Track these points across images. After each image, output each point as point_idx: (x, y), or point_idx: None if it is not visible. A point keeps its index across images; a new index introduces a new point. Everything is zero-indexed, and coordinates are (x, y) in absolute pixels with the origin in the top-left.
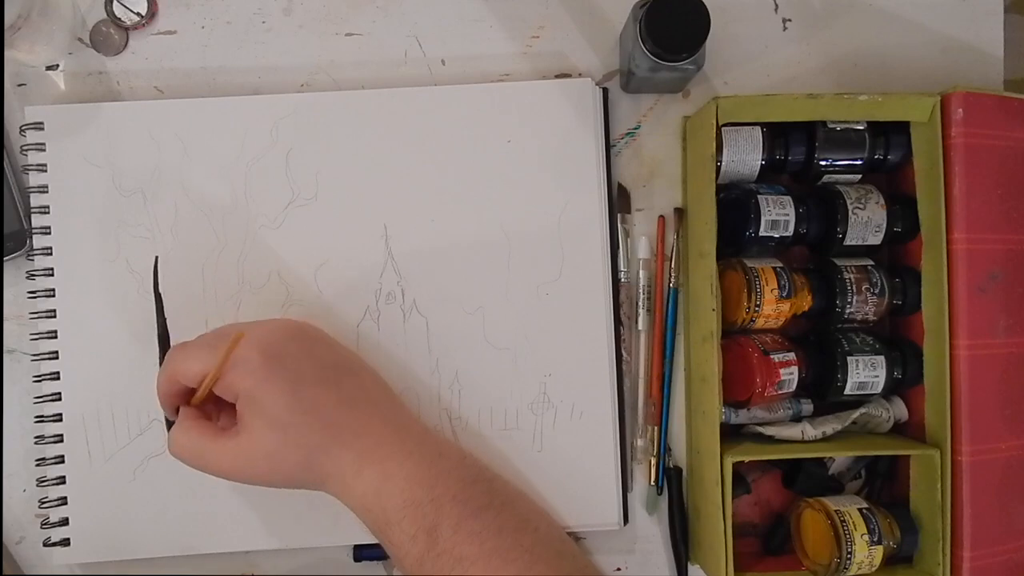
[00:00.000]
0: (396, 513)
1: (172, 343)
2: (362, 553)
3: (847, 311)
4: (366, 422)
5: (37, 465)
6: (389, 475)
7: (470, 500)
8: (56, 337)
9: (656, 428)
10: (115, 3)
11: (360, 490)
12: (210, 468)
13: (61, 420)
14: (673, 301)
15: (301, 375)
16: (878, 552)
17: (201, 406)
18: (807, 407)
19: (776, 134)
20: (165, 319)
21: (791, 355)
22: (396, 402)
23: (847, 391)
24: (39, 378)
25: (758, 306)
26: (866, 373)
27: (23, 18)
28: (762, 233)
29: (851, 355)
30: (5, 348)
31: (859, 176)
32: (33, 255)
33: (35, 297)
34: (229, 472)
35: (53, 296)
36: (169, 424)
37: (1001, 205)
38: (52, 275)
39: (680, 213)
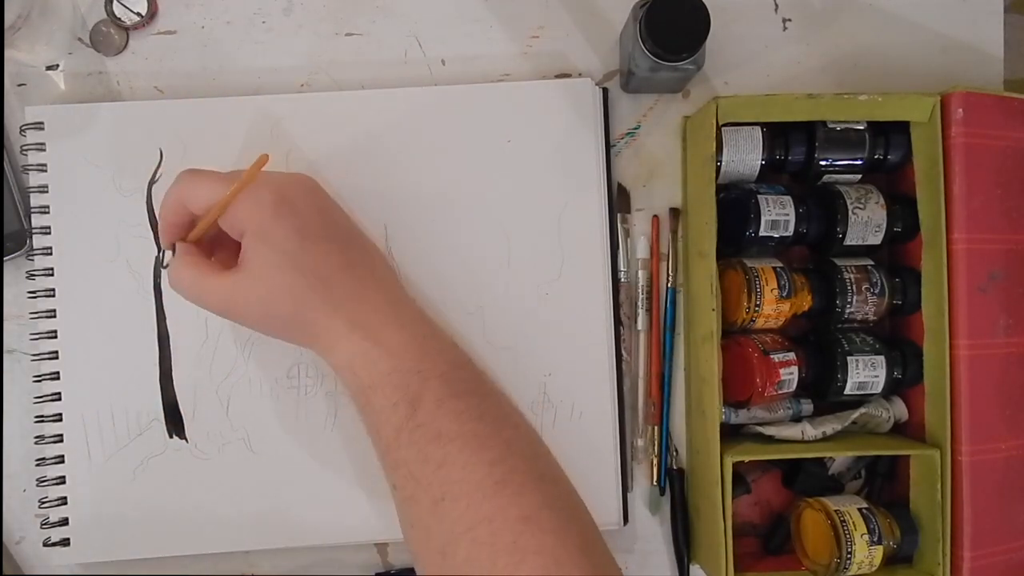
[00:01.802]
0: (381, 378)
1: (172, 344)
2: None
3: (847, 311)
4: (364, 289)
5: (37, 465)
6: (379, 341)
7: (456, 381)
8: (56, 337)
9: (656, 428)
10: (115, 3)
11: (348, 351)
12: (207, 302)
13: (61, 420)
14: (672, 301)
15: (310, 227)
16: (878, 552)
17: (199, 243)
18: (807, 407)
19: (776, 134)
20: (165, 319)
21: (791, 355)
22: (396, 279)
23: (847, 391)
24: (39, 378)
25: (758, 306)
26: (866, 373)
27: (23, 18)
28: (762, 233)
29: (851, 355)
30: (5, 348)
31: (859, 176)
32: (33, 255)
33: (35, 297)
34: (224, 308)
35: (53, 296)
36: (159, 263)
37: (1001, 205)
38: (52, 275)
39: (676, 213)
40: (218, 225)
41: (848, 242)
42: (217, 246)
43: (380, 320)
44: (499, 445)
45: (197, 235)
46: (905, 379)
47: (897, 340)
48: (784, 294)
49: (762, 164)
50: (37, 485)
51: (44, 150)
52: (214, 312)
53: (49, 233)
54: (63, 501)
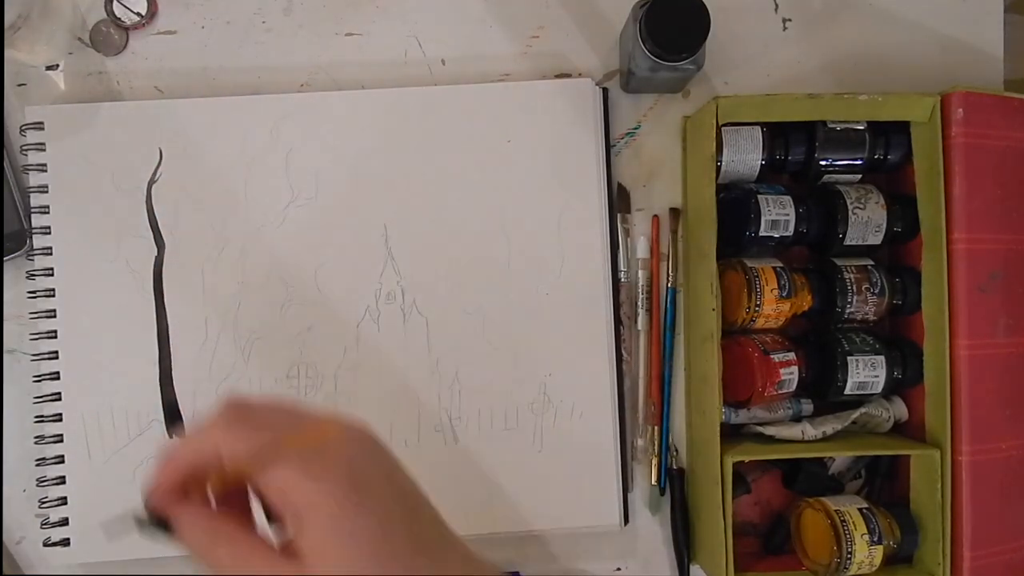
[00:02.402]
0: None
1: (172, 344)
2: None
3: (847, 311)
4: (433, 553)
5: (37, 465)
6: None
7: None
8: (56, 337)
9: (656, 428)
10: (115, 3)
11: None
12: None
13: (61, 420)
14: (672, 301)
15: (391, 522)
16: (878, 552)
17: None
18: (807, 407)
19: (776, 134)
20: (166, 319)
21: (791, 355)
22: (444, 522)
23: (847, 391)
24: (39, 378)
25: (758, 306)
26: (866, 373)
27: (23, 18)
28: (762, 233)
29: (851, 355)
30: (5, 348)
31: (859, 176)
32: (33, 255)
33: (35, 297)
34: None
35: (53, 296)
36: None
37: (1001, 205)
38: (52, 275)
39: (676, 213)
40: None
41: (848, 242)
42: (232, 500)
43: None
44: None
45: (220, 488)
46: (905, 379)
47: (897, 340)
48: (784, 294)
49: (762, 164)
50: (37, 485)
51: (44, 150)
52: None
53: (49, 233)
54: (63, 501)
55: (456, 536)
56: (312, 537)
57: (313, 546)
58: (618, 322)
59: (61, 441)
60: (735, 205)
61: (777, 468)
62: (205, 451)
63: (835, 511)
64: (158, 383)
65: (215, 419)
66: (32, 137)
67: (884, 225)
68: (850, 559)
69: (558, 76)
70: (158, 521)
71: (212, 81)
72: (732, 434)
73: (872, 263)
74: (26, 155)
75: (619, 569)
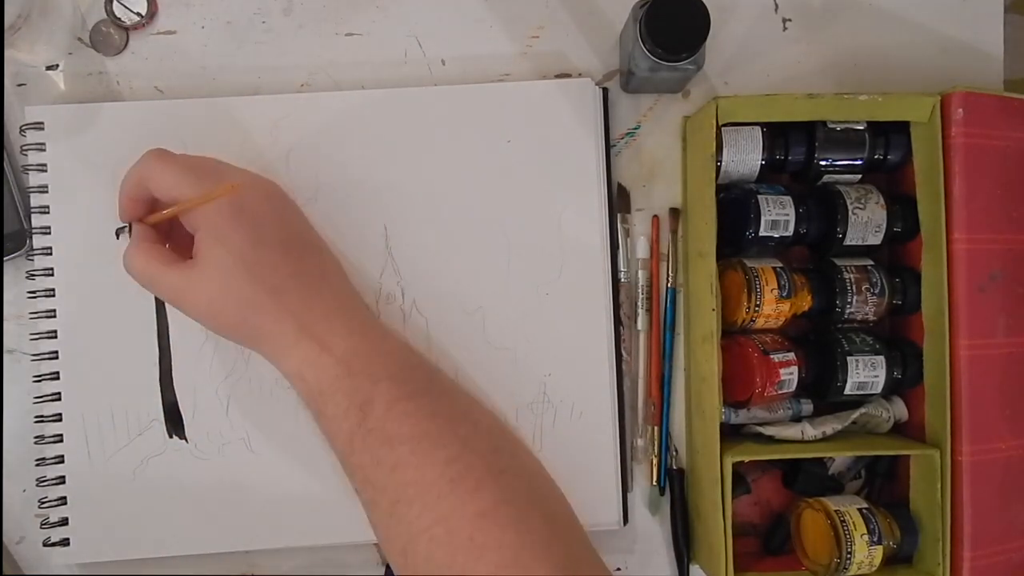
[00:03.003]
0: (330, 384)
1: (172, 343)
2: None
3: (847, 311)
4: (314, 296)
5: (37, 465)
6: (328, 347)
7: (407, 382)
8: (56, 337)
9: (656, 428)
10: (115, 3)
11: (297, 358)
12: (157, 291)
13: (61, 420)
14: (672, 301)
15: (265, 235)
16: (878, 552)
17: (155, 225)
18: (807, 407)
19: (776, 134)
20: (166, 319)
21: (791, 355)
22: (350, 287)
23: (847, 391)
24: (39, 378)
25: (758, 306)
26: (866, 373)
27: (23, 18)
28: (762, 233)
29: (851, 355)
30: (5, 348)
31: (859, 176)
32: (33, 255)
33: (35, 297)
34: (173, 299)
35: (53, 296)
36: (120, 230)
37: (1001, 205)
38: (52, 275)
39: (675, 213)
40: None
41: (848, 242)
42: (175, 231)
43: (328, 327)
44: (454, 443)
45: (155, 221)
46: (905, 379)
47: (897, 340)
48: (784, 294)
49: (762, 164)
50: (37, 485)
51: (44, 150)
52: (167, 302)
53: (49, 233)
54: (63, 501)
55: (348, 288)
56: (199, 245)
57: (200, 252)
58: (618, 322)
59: (61, 441)
60: (735, 205)
61: (777, 468)
62: (139, 184)
63: (835, 511)
64: (158, 383)
65: (143, 159)
66: (32, 137)
67: (884, 225)
68: (850, 559)
69: (558, 76)
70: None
71: (212, 81)
72: (732, 434)
73: (872, 263)
74: (26, 155)
75: (619, 569)
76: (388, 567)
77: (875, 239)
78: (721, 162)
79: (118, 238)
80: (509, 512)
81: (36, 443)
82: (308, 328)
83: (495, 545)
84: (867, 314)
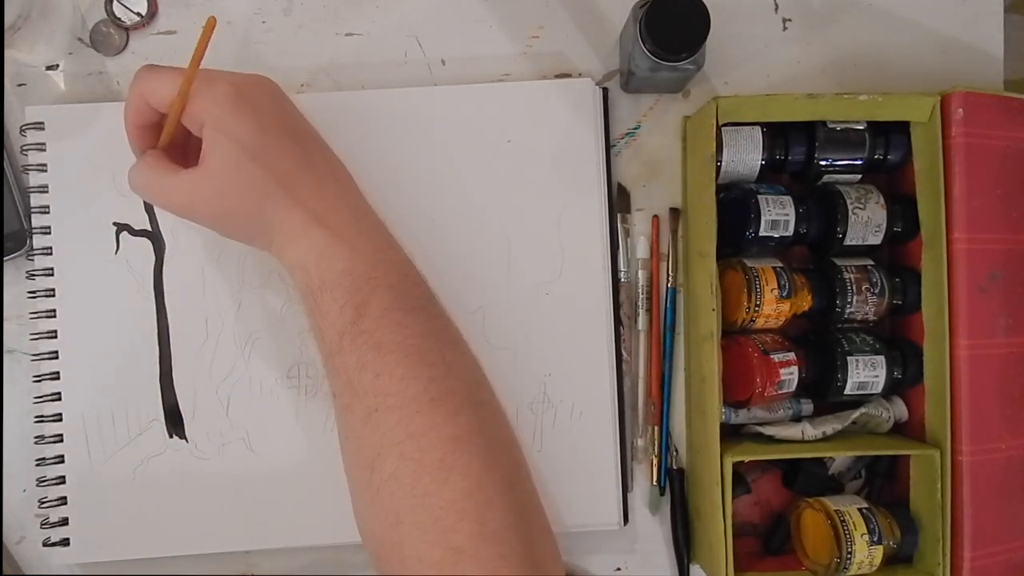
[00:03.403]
0: (333, 278)
1: (172, 343)
2: None
3: (847, 311)
4: (325, 188)
5: (37, 465)
6: (336, 241)
7: (406, 295)
8: (56, 337)
9: (656, 428)
10: (115, 3)
11: (304, 247)
12: (166, 202)
13: (61, 420)
14: (672, 301)
15: (269, 123)
16: (878, 552)
17: (170, 150)
18: (807, 407)
19: (776, 134)
20: (166, 319)
21: (791, 355)
22: (356, 185)
23: (847, 391)
24: (39, 378)
25: (758, 306)
26: (866, 373)
27: (23, 18)
28: (762, 233)
29: (851, 355)
30: (5, 348)
31: (859, 176)
32: (33, 255)
33: (35, 297)
34: (183, 207)
35: (53, 296)
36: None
37: (1001, 205)
38: (52, 275)
39: (676, 213)
40: (184, 127)
41: (848, 242)
42: (190, 153)
43: (339, 220)
44: (440, 364)
45: (166, 139)
46: (905, 379)
47: (897, 340)
48: (784, 294)
49: (762, 164)
50: (37, 485)
51: (44, 150)
52: (176, 212)
53: (49, 233)
54: (63, 501)
55: (356, 187)
56: (205, 141)
57: (205, 149)
58: (618, 322)
59: (61, 441)
60: (735, 205)
61: (777, 468)
62: (140, 103)
63: (835, 511)
64: (158, 383)
65: (134, 80)
66: (32, 137)
67: (884, 225)
68: (850, 559)
69: (558, 76)
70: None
71: None
72: (732, 434)
73: (872, 263)
74: (26, 155)
75: (619, 569)
76: None
77: (875, 239)
78: (721, 162)
79: (118, 238)
80: (480, 444)
81: (36, 443)
82: (319, 217)
83: (462, 471)
84: (867, 314)
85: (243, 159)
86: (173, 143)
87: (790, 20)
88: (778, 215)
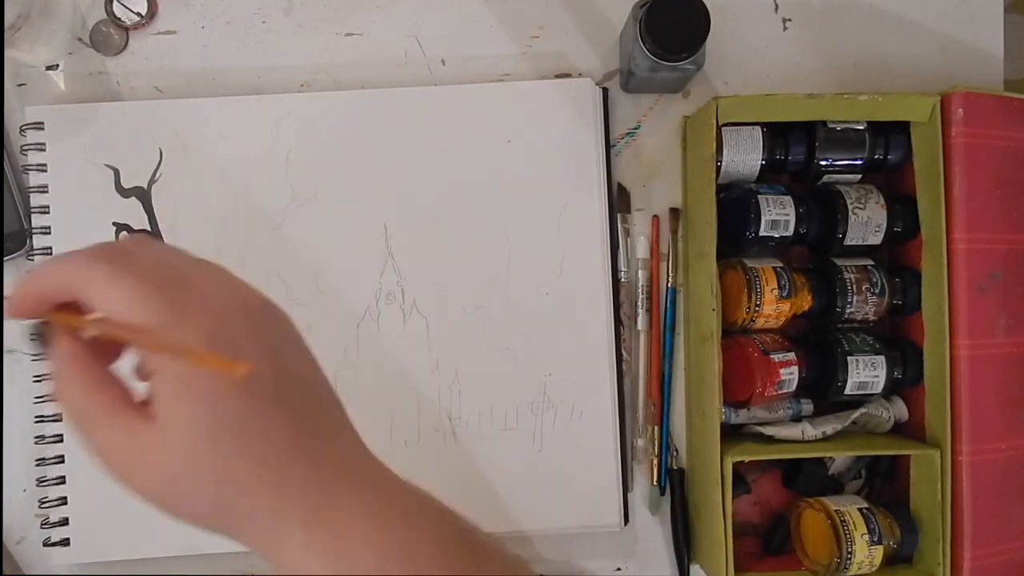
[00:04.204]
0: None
1: None
2: None
3: (847, 311)
4: (325, 472)
5: (37, 465)
6: (348, 552)
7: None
8: None
9: (656, 428)
10: (115, 3)
11: (301, 560)
12: (93, 445)
13: (61, 420)
14: (672, 301)
15: (258, 382)
16: (878, 552)
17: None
18: (807, 407)
19: (776, 134)
20: None
21: (791, 355)
22: (352, 429)
23: (847, 391)
24: (39, 378)
25: (758, 306)
26: (866, 373)
27: (23, 18)
28: (762, 233)
29: (851, 355)
30: (5, 348)
31: (859, 176)
32: (33, 255)
33: None
34: (114, 467)
35: None
36: (35, 333)
37: (1001, 205)
38: None
39: (676, 213)
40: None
41: (848, 242)
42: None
43: (347, 515)
44: None
45: (93, 334)
46: (905, 379)
47: (897, 340)
48: (784, 294)
49: (762, 164)
50: (37, 485)
51: (44, 150)
52: (99, 460)
53: (49, 233)
54: (63, 501)
55: (351, 431)
56: (161, 394)
57: (161, 405)
58: (618, 322)
59: (61, 441)
60: (735, 205)
61: (777, 468)
62: (68, 285)
63: (835, 511)
64: None
65: (84, 257)
66: (32, 137)
67: (884, 225)
68: (850, 559)
69: (558, 76)
70: (40, 333)
71: (212, 81)
72: (732, 434)
73: (872, 263)
74: (26, 155)
75: (619, 569)
76: None
77: (875, 239)
78: (721, 162)
79: (117, 238)
80: None
81: (36, 443)
82: (320, 520)
83: None
84: (867, 314)
85: (214, 436)
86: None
87: (790, 20)
88: (778, 215)
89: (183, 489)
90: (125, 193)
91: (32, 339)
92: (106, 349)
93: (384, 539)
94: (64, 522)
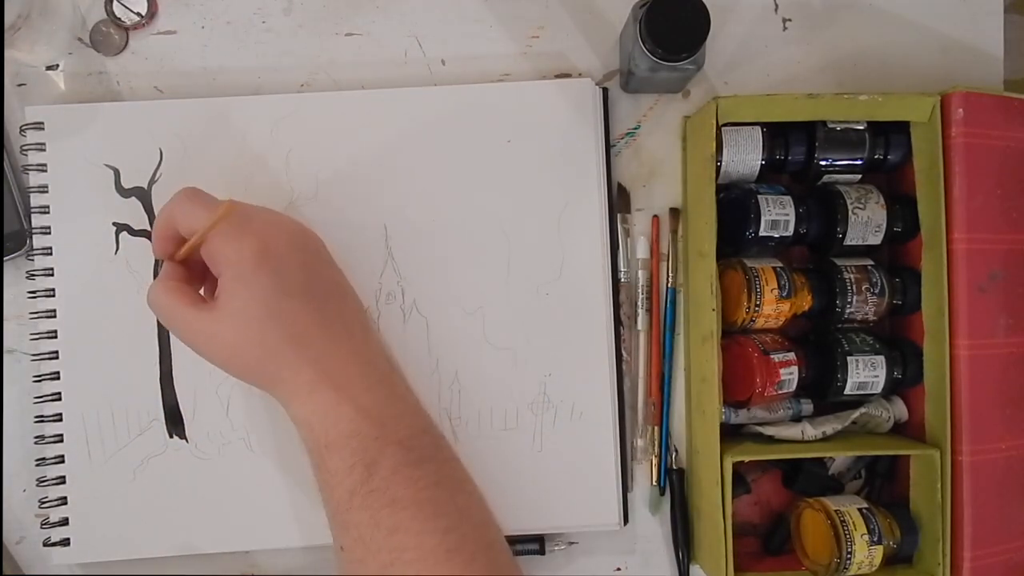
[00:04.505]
0: (340, 439)
1: (172, 343)
2: None
3: (847, 311)
4: (335, 347)
5: (37, 465)
6: (342, 401)
7: (416, 448)
8: (56, 337)
9: (656, 428)
10: (115, 3)
11: (309, 407)
12: (176, 332)
13: (61, 420)
14: (672, 301)
15: (289, 282)
16: (878, 552)
17: (188, 265)
18: (807, 407)
19: (776, 134)
20: None
21: (791, 355)
22: (371, 335)
23: (847, 391)
24: (39, 378)
25: (758, 306)
26: (866, 373)
27: (23, 18)
28: (762, 233)
29: (851, 355)
30: (5, 348)
31: (859, 176)
32: (33, 255)
33: (35, 297)
34: (192, 343)
35: (53, 296)
36: (158, 266)
37: (1001, 205)
38: (52, 275)
39: (676, 213)
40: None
41: (848, 242)
42: (209, 275)
43: (346, 379)
44: (453, 512)
45: (182, 256)
46: (905, 379)
47: (897, 340)
48: (784, 294)
49: (762, 164)
50: (37, 485)
51: (44, 150)
52: (182, 341)
53: (49, 233)
54: (63, 501)
55: (369, 336)
56: (223, 288)
57: (223, 295)
58: (618, 322)
59: (61, 441)
60: (735, 205)
61: (777, 468)
62: (168, 220)
63: (835, 511)
64: (158, 383)
65: (174, 197)
66: (32, 137)
67: (884, 225)
68: (850, 559)
69: (558, 76)
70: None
71: (212, 81)
72: (732, 434)
73: (872, 263)
74: (26, 155)
75: (619, 569)
76: None
77: (875, 239)
78: (721, 162)
79: (118, 238)
80: None
81: (36, 443)
82: (326, 377)
83: None
84: (867, 314)
85: (259, 316)
86: (191, 259)
87: (790, 20)
88: (778, 215)
89: (237, 354)
90: (125, 193)
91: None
92: (192, 277)
93: (368, 403)
94: (64, 522)
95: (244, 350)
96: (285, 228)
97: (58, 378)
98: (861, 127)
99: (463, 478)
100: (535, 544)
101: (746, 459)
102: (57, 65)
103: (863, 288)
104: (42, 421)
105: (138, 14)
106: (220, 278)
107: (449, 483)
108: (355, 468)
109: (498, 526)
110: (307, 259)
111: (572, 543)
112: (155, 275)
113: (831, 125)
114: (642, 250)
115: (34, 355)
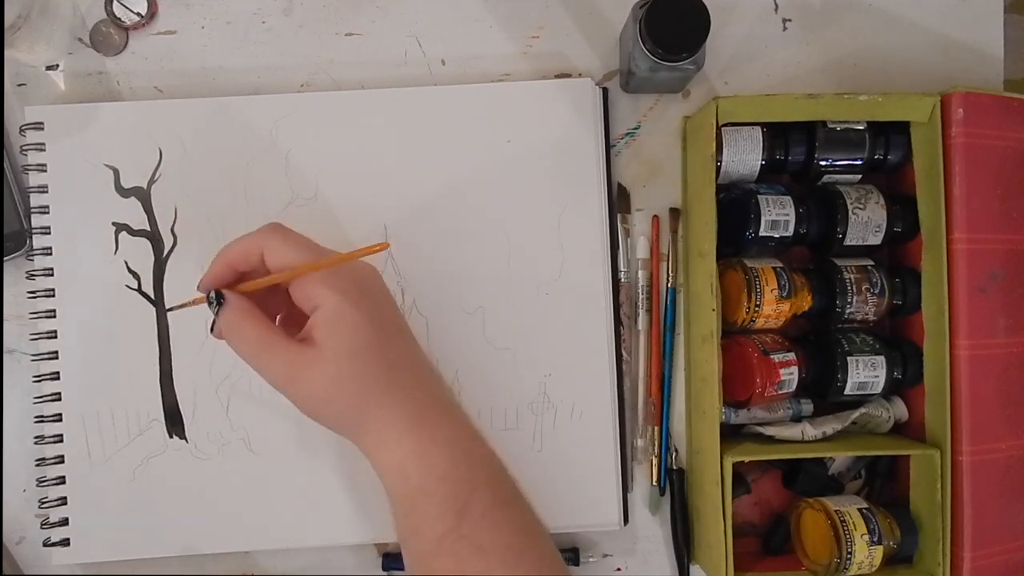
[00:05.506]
0: (434, 483)
1: (172, 344)
2: (391, 564)
3: (847, 311)
4: (422, 384)
5: (37, 465)
6: (435, 444)
7: (501, 490)
8: (56, 337)
9: (656, 428)
10: (115, 3)
11: (403, 451)
12: (264, 365)
13: (61, 420)
14: (672, 301)
15: (384, 319)
16: (878, 552)
17: (252, 296)
18: (807, 407)
19: (776, 134)
20: (166, 319)
21: (791, 355)
22: (440, 377)
23: (847, 391)
24: (39, 378)
25: (758, 306)
26: (866, 373)
27: (23, 18)
28: (762, 233)
29: (851, 355)
30: (5, 348)
31: (859, 176)
32: (33, 255)
33: (35, 297)
34: (281, 380)
35: (53, 296)
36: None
37: (1001, 205)
38: (52, 275)
39: (676, 213)
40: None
41: (848, 242)
42: (268, 305)
43: (435, 419)
44: (534, 556)
45: (253, 288)
46: (905, 379)
47: (897, 340)
48: (784, 294)
49: (762, 164)
50: (37, 485)
51: (44, 150)
52: (268, 379)
53: (49, 233)
54: (63, 501)
55: (439, 378)
56: (319, 325)
57: (318, 332)
58: (618, 322)
59: (61, 441)
60: (735, 205)
61: (777, 468)
62: (250, 252)
63: (835, 511)
64: (158, 383)
65: (263, 230)
66: (32, 137)
67: (884, 225)
68: (850, 559)
69: (558, 76)
70: (216, 297)
71: (212, 81)
72: (732, 434)
73: (872, 263)
74: (26, 155)
75: (619, 569)
76: (384, 562)
77: (875, 239)
78: (721, 162)
79: (210, 306)
80: None
81: (36, 443)
82: (418, 419)
83: None
84: (867, 314)
85: (360, 354)
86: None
87: (790, 20)
88: (778, 215)
89: (333, 395)
90: (125, 193)
91: (210, 304)
92: (265, 310)
93: (458, 442)
94: (64, 522)
95: (342, 389)
96: (370, 270)
97: (58, 378)
98: (861, 127)
99: (538, 520)
100: (571, 554)
101: (746, 459)
102: (57, 65)
103: (863, 288)
104: (42, 421)
105: (138, 14)
106: (315, 313)
107: (530, 528)
108: (447, 514)
109: (564, 565)
110: (390, 300)
111: (607, 555)
112: (155, 278)
113: (831, 125)
114: (642, 250)
115: (34, 355)
